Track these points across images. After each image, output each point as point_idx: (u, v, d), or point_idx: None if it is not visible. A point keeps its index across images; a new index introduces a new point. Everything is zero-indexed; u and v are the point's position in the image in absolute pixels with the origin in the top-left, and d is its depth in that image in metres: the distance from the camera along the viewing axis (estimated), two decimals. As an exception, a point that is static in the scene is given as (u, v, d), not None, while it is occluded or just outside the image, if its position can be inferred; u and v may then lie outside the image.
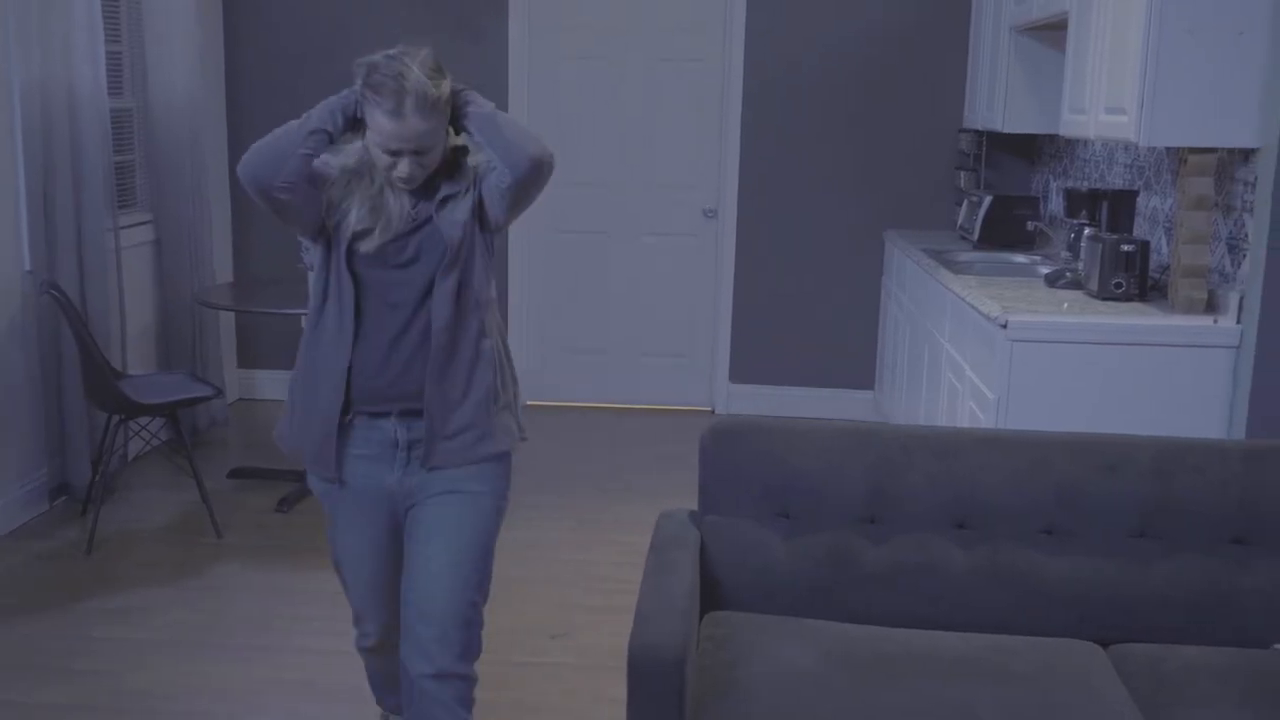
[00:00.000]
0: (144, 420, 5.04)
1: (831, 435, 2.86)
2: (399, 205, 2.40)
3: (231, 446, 5.68)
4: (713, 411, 6.41)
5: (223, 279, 6.18)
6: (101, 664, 3.50)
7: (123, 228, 5.21)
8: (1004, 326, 3.67)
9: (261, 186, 2.32)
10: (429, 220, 2.43)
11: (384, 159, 2.31)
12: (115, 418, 4.54)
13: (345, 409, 2.49)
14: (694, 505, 2.94)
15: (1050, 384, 3.66)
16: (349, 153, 2.38)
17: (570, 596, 4.01)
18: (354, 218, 2.39)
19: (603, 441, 5.88)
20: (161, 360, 5.64)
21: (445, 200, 2.43)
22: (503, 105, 6.22)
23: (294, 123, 2.34)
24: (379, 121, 2.27)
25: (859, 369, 6.30)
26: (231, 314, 6.24)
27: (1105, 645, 2.69)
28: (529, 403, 6.45)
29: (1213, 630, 2.71)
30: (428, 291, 2.43)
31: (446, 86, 2.33)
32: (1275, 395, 3.53)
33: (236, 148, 6.26)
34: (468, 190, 2.44)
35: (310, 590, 4.04)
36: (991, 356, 3.79)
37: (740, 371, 6.37)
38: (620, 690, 3.34)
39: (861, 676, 2.43)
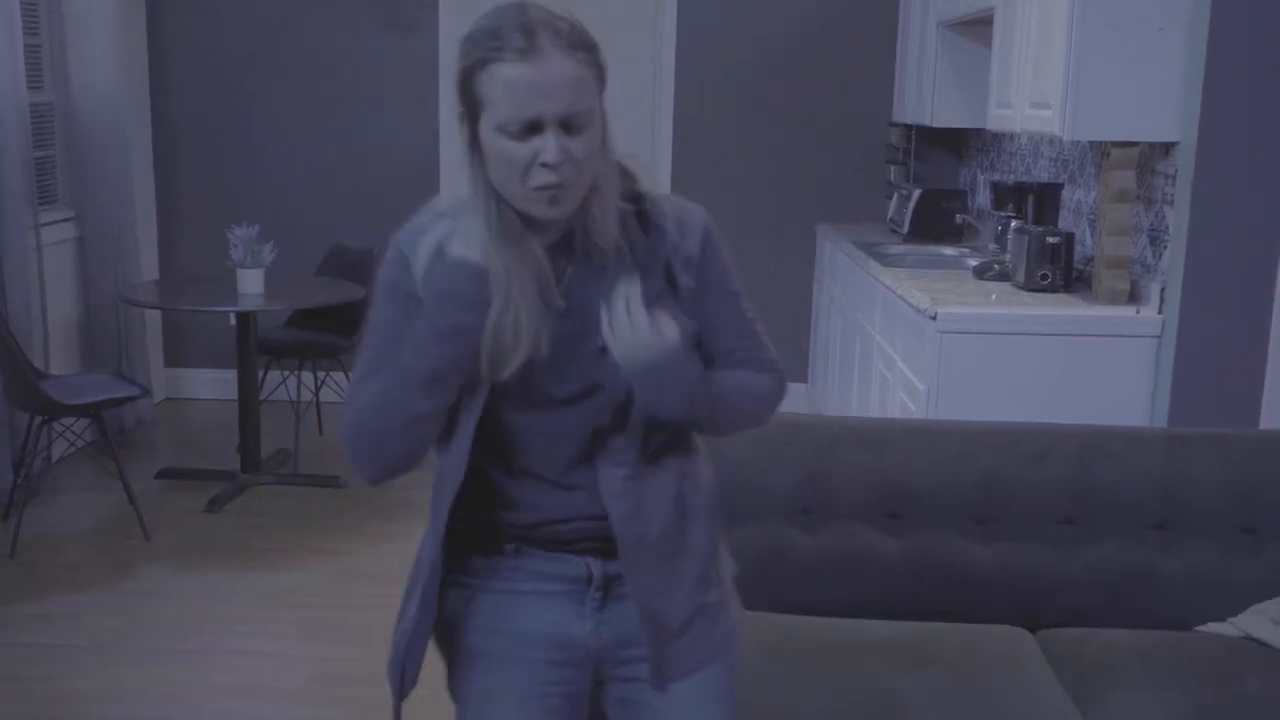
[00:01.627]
0: (68, 421, 4.94)
1: (764, 428, 2.87)
2: (532, 280, 1.54)
3: (160, 447, 5.59)
4: (647, 405, 6.41)
5: (149, 276, 6.07)
6: (33, 670, 3.43)
7: (44, 224, 5.10)
8: (933, 318, 3.71)
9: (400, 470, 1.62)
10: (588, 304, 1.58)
11: (517, 156, 1.49)
12: (38, 419, 4.45)
13: (495, 536, 1.72)
14: (629, 499, 2.94)
15: (979, 374, 3.71)
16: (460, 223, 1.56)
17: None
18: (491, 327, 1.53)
19: (538, 437, 5.86)
20: (86, 360, 5.54)
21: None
22: (432, 103, 6.21)
23: (392, 385, 1.55)
24: (504, 77, 1.46)
25: (791, 361, 6.31)
26: (158, 312, 6.14)
27: (1033, 630, 2.74)
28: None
29: (1136, 613, 2.76)
30: (610, 423, 1.62)
31: (594, 39, 1.58)
32: (1195, 383, 3.61)
33: (161, 143, 6.16)
34: (667, 268, 1.62)
35: (242, 592, 3.99)
36: (921, 348, 3.84)
37: (674, 365, 6.38)
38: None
39: (795, 665, 2.45)
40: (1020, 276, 4.07)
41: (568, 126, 1.48)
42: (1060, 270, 4.00)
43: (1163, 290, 3.69)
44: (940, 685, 2.41)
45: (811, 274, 6.26)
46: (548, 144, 1.47)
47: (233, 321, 4.99)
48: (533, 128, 1.47)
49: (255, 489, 4.97)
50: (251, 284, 4.79)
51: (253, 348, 4.98)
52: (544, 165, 1.48)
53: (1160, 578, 2.77)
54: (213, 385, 6.35)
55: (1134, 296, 3.87)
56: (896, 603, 2.78)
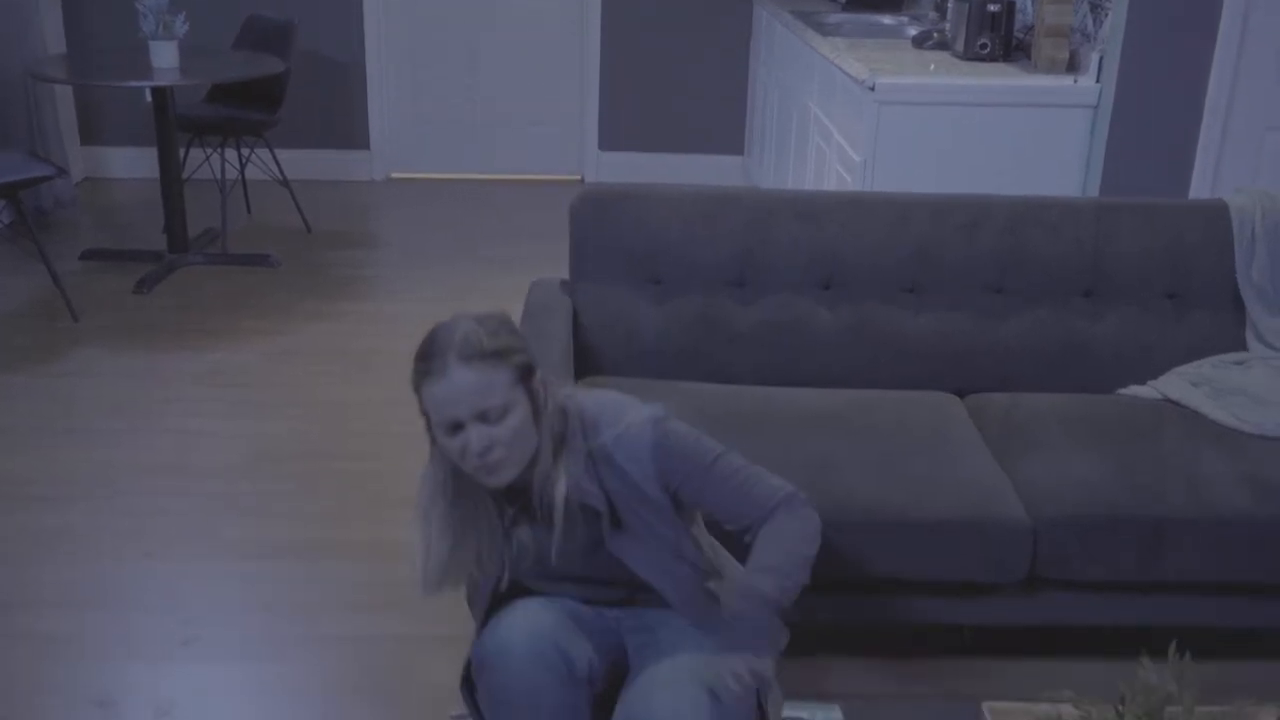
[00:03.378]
0: (-17, 202, 4.78)
1: (700, 201, 2.85)
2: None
3: (82, 228, 5.44)
4: (582, 180, 6.34)
5: (55, 49, 5.78)
6: (-39, 452, 3.42)
7: (-62, -8, 4.81)
8: (871, 89, 3.65)
9: None
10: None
11: (453, 448, 1.84)
12: (-49, 199, 4.30)
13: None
14: (565, 274, 2.93)
15: (916, 145, 3.69)
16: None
17: (443, 369, 4.01)
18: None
19: (471, 213, 5.79)
20: (-4, 138, 5.32)
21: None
22: None
23: None
24: (428, 394, 1.84)
25: (728, 134, 6.26)
26: (69, 88, 5.88)
27: (962, 396, 2.81)
28: (394, 175, 6.31)
29: (1063, 379, 2.84)
30: None
31: (510, 341, 1.86)
32: (1128, 153, 3.62)
33: (59, -97, 5.76)
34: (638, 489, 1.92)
35: (175, 372, 3.96)
36: (859, 119, 3.79)
37: (610, 139, 6.28)
38: (496, 457, 3.40)
39: (731, 434, 2.49)
40: (959, 46, 4.00)
41: (488, 420, 1.81)
42: (999, 39, 3.93)
43: (1101, 59, 3.65)
44: (873, 449, 2.47)
45: (748, 45, 6.11)
46: (469, 438, 1.82)
47: (148, 97, 4.79)
48: (456, 426, 1.82)
49: (184, 269, 4.89)
50: (165, 57, 4.58)
51: (171, 124, 4.80)
52: (472, 453, 1.82)
53: (1086, 344, 2.84)
54: (133, 163, 6.15)
55: (1072, 65, 3.83)
56: (830, 372, 2.83)
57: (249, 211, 5.65)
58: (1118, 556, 2.37)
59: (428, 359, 1.85)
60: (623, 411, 1.92)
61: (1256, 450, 2.51)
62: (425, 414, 1.88)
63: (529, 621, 1.87)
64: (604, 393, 1.99)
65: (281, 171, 5.42)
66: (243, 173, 5.54)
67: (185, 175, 5.00)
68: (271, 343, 4.20)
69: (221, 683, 2.49)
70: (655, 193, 2.87)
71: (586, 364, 2.82)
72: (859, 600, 2.43)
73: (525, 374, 1.86)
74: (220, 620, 2.69)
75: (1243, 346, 2.86)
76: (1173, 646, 1.49)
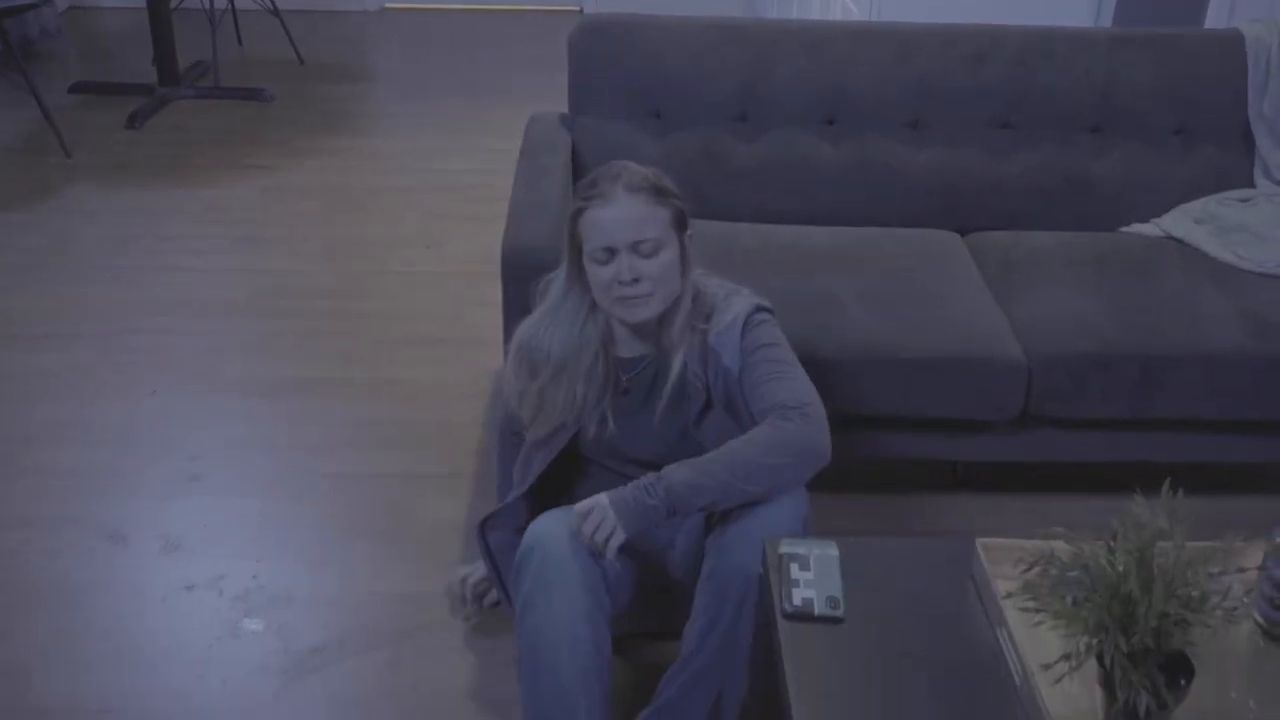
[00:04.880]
0: (-34, 32, 4.66)
1: (702, 31, 2.78)
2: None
3: (69, 59, 5.33)
4: (580, 10, 6.17)
5: None
6: (-41, 289, 3.41)
7: None
8: (880, -88, 3.52)
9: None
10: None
11: (602, 276, 1.92)
12: (-67, 30, 4.19)
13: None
14: (564, 108, 2.88)
15: (924, -27, 3.57)
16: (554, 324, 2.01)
17: (440, 205, 3.98)
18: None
19: (465, 45, 5.66)
20: (-24, -35, 5.15)
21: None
22: None
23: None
24: (590, 218, 1.92)
25: (730, -38, 6.07)
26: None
27: (964, 234, 2.79)
28: (388, 5, 6.15)
29: (1066, 216, 2.81)
30: None
31: (671, 186, 1.97)
32: (1144, -19, 3.51)
33: None
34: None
35: (171, 208, 3.92)
36: (866, -55, 3.67)
37: (608, -33, 6.10)
38: (492, 293, 3.38)
39: (732, 269, 2.48)
40: None
41: (640, 252, 1.90)
42: None
43: (1120, -120, 3.51)
44: (872, 287, 2.47)
45: None
46: (620, 265, 1.90)
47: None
48: (611, 252, 1.90)
49: (175, 103, 4.80)
50: (147, -123, 4.42)
51: (156, -50, 4.65)
52: (620, 282, 1.90)
53: (1092, 181, 2.80)
54: (118, -8, 5.98)
55: (1089, -113, 3.68)
56: (833, 209, 2.80)
57: (240, 43, 5.52)
58: (1113, 394, 2.38)
59: (595, 185, 1.94)
60: (733, 300, 2.01)
61: (1256, 288, 2.51)
62: (575, 243, 1.95)
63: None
64: (724, 282, 2.06)
65: (272, 0, 5.27)
66: (232, 1, 5.39)
67: (173, 4, 4.87)
68: (268, 179, 4.15)
69: (226, 518, 2.53)
70: (656, 23, 2.79)
71: (586, 201, 2.79)
72: (854, 436, 2.46)
73: (680, 220, 1.96)
74: (225, 457, 2.72)
75: (1250, 184, 2.83)
76: (1166, 483, 1.50)
